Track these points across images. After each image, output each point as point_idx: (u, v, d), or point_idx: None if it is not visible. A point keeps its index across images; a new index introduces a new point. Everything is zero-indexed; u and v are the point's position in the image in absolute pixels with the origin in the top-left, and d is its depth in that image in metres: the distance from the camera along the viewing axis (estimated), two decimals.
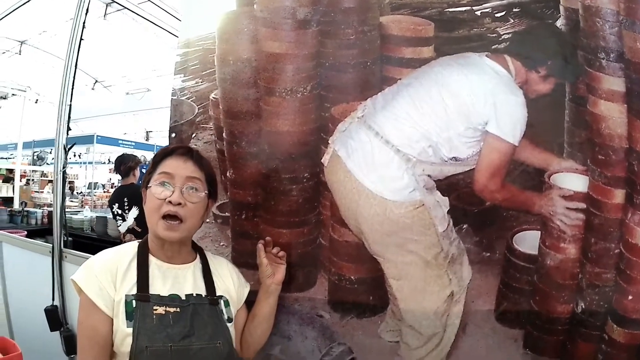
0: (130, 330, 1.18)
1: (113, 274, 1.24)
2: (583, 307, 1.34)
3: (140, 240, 1.37)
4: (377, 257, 1.48)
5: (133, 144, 12.08)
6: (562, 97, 1.36)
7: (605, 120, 1.28)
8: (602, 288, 1.32)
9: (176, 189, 1.26)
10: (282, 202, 1.58)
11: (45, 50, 8.20)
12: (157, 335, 1.19)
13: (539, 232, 1.39)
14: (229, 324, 1.33)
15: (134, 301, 1.22)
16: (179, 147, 1.38)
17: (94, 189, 11.70)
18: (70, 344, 2.48)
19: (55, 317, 2.53)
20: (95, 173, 12.77)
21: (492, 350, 1.43)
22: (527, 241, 1.41)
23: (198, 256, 1.42)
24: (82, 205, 8.48)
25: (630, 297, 1.29)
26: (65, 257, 2.55)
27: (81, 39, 2.59)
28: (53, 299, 2.55)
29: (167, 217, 1.25)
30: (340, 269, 1.55)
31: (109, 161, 13.30)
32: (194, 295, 1.30)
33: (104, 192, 11.75)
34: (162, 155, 1.34)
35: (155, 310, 1.21)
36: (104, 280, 1.23)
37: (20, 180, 10.23)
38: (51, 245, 2.61)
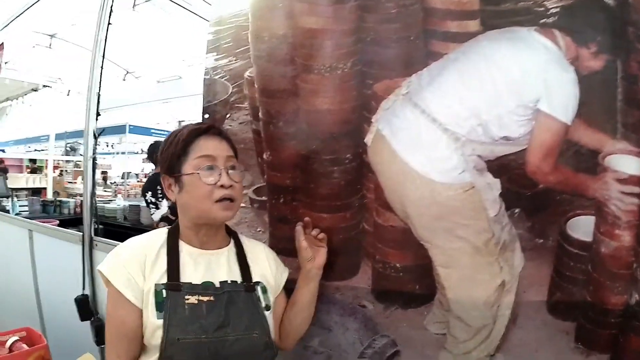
0: (161, 322, 1.14)
1: (141, 263, 1.20)
2: (637, 298, 1.24)
3: (169, 227, 1.32)
4: (425, 243, 1.41)
5: (166, 133, 12.22)
6: (614, 75, 1.26)
7: None
8: None
9: (223, 172, 1.22)
10: (322, 184, 1.52)
11: (75, 43, 8.31)
12: (190, 327, 1.14)
13: (594, 217, 1.29)
14: (266, 312, 1.29)
15: (164, 290, 1.17)
16: (209, 126, 1.31)
17: (127, 178, 11.92)
18: (100, 334, 2.45)
19: (86, 307, 2.50)
20: (128, 163, 13.01)
21: (542, 344, 1.34)
22: (582, 227, 1.31)
23: (232, 241, 1.37)
24: (115, 195, 8.64)
25: None
26: (96, 245, 2.53)
27: (109, 23, 2.56)
28: (83, 288, 2.53)
29: (220, 200, 1.21)
30: (385, 255, 1.48)
31: (142, 151, 13.59)
32: (229, 282, 1.25)
33: (137, 181, 11.95)
34: (194, 135, 1.26)
35: (187, 299, 1.17)
36: (132, 269, 1.18)
37: (54, 172, 10.50)
38: (81, 233, 2.60)
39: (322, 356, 1.56)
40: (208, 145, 1.24)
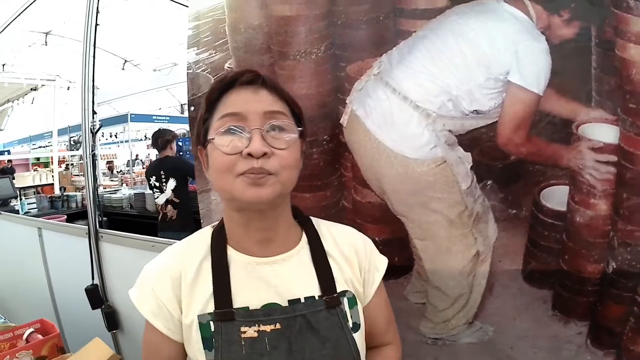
0: None
1: (176, 285, 0.92)
2: (614, 267, 1.26)
3: (214, 225, 1.01)
4: (401, 218, 1.44)
5: (167, 118, 12.24)
6: (588, 42, 1.25)
7: (635, 66, 1.17)
8: (635, 247, 1.22)
9: (254, 134, 0.86)
10: (303, 166, 1.51)
11: (70, 38, 8.28)
12: None
13: (568, 187, 1.30)
14: (355, 335, 0.95)
15: (211, 322, 0.88)
16: (240, 73, 0.93)
17: (134, 165, 11.87)
18: (111, 320, 2.60)
19: (96, 296, 2.62)
20: (134, 150, 13.00)
21: (520, 312, 1.39)
22: (556, 197, 1.33)
23: (304, 234, 1.02)
24: (121, 184, 8.67)
25: None
26: (102, 237, 2.62)
27: (97, 12, 2.58)
28: (93, 279, 2.64)
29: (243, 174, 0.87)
30: (364, 230, 1.44)
31: (146, 137, 13.61)
32: (302, 300, 0.92)
33: (143, 168, 11.95)
34: (219, 90, 0.93)
35: (244, 332, 0.87)
36: (163, 294, 0.92)
37: (60, 166, 10.53)
38: (87, 227, 2.68)
39: None
40: (235, 100, 0.90)
